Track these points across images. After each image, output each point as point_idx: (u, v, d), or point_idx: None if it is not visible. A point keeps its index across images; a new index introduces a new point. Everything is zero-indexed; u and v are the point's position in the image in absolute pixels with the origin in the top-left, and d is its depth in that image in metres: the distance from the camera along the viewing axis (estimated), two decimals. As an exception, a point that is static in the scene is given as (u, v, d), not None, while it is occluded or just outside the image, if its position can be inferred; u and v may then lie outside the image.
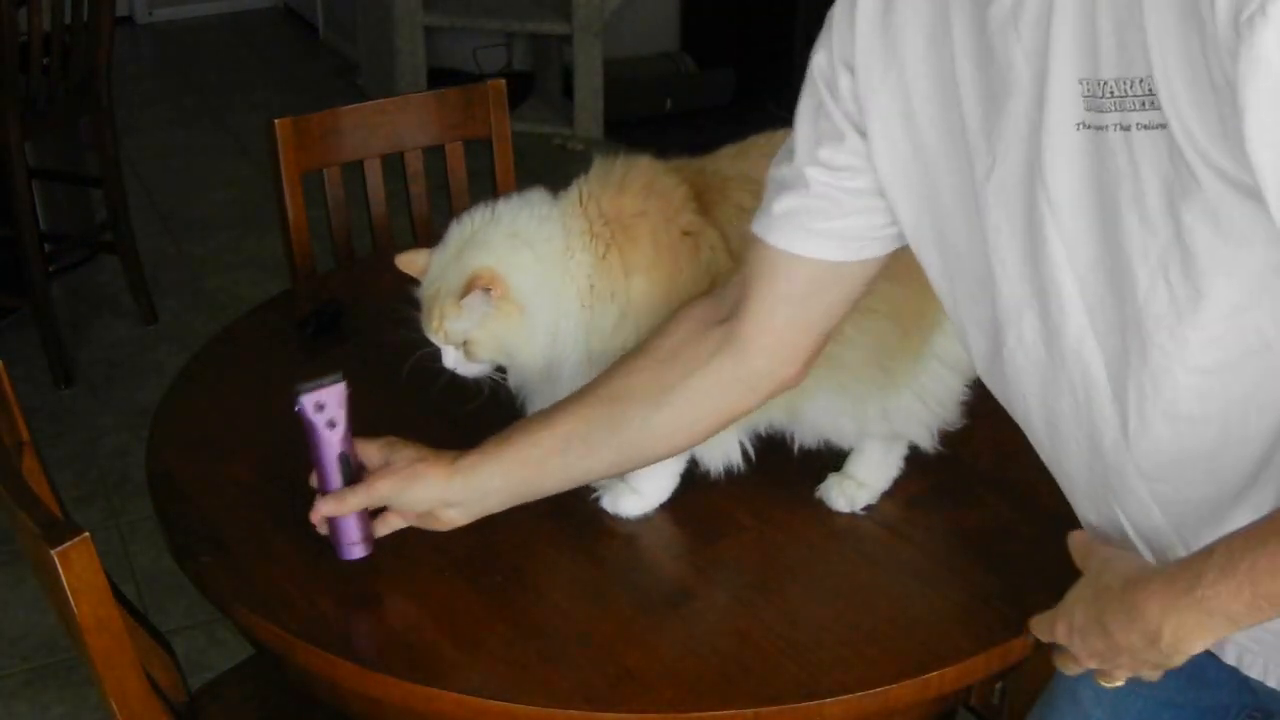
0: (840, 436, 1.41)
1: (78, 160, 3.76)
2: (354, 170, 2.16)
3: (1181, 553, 0.99)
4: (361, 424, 1.62)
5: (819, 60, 1.10)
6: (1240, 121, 0.75)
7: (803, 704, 1.17)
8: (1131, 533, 1.04)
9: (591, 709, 1.17)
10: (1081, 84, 0.85)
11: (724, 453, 1.38)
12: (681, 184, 1.34)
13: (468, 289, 1.30)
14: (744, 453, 1.39)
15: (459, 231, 1.37)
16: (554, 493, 1.30)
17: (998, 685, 1.68)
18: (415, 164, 2.21)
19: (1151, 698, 1.14)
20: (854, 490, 1.43)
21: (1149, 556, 1.03)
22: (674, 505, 1.44)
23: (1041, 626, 1.07)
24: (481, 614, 1.28)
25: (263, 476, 1.50)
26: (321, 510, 1.27)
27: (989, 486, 1.48)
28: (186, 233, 4.23)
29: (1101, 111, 0.85)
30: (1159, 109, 0.81)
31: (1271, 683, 1.01)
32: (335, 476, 1.28)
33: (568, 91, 4.98)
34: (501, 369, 1.40)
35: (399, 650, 1.23)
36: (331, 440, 1.28)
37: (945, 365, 1.39)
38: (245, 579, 1.32)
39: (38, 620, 2.53)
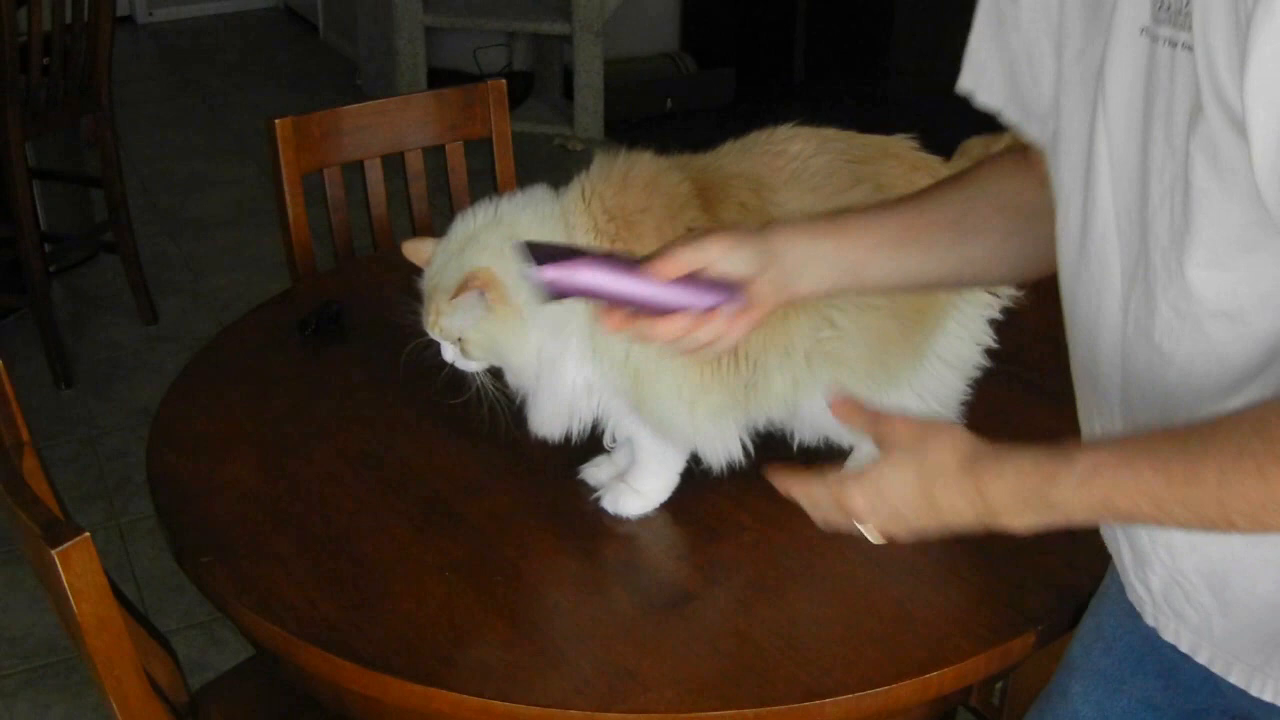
0: (839, 434, 1.41)
1: (78, 160, 3.76)
2: (354, 170, 2.16)
3: None
4: (361, 423, 1.62)
5: None
6: (1245, 63, 0.76)
7: (803, 704, 1.17)
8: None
9: (591, 709, 1.17)
10: None
11: (725, 449, 1.38)
12: (685, 180, 1.34)
13: (462, 288, 1.30)
14: (745, 453, 1.39)
15: (462, 228, 1.37)
16: (872, 290, 1.21)
17: (998, 685, 1.67)
18: (415, 164, 2.21)
19: (1134, 698, 1.15)
20: (854, 490, 1.43)
21: None
22: (674, 505, 1.44)
23: (836, 500, 1.00)
24: (481, 614, 1.28)
25: (263, 476, 1.50)
26: (677, 323, 1.10)
27: (989, 486, 1.47)
28: (186, 233, 4.23)
29: (1158, 23, 0.86)
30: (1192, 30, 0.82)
31: (1236, 680, 1.02)
32: (636, 281, 1.09)
33: (568, 91, 4.98)
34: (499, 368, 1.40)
35: (399, 650, 1.23)
36: (593, 268, 1.08)
37: (946, 364, 1.39)
38: (245, 579, 1.32)
39: (38, 620, 2.53)
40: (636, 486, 1.43)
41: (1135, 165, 0.91)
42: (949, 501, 0.93)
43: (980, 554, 1.36)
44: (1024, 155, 1.15)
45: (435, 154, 2.23)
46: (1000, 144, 1.38)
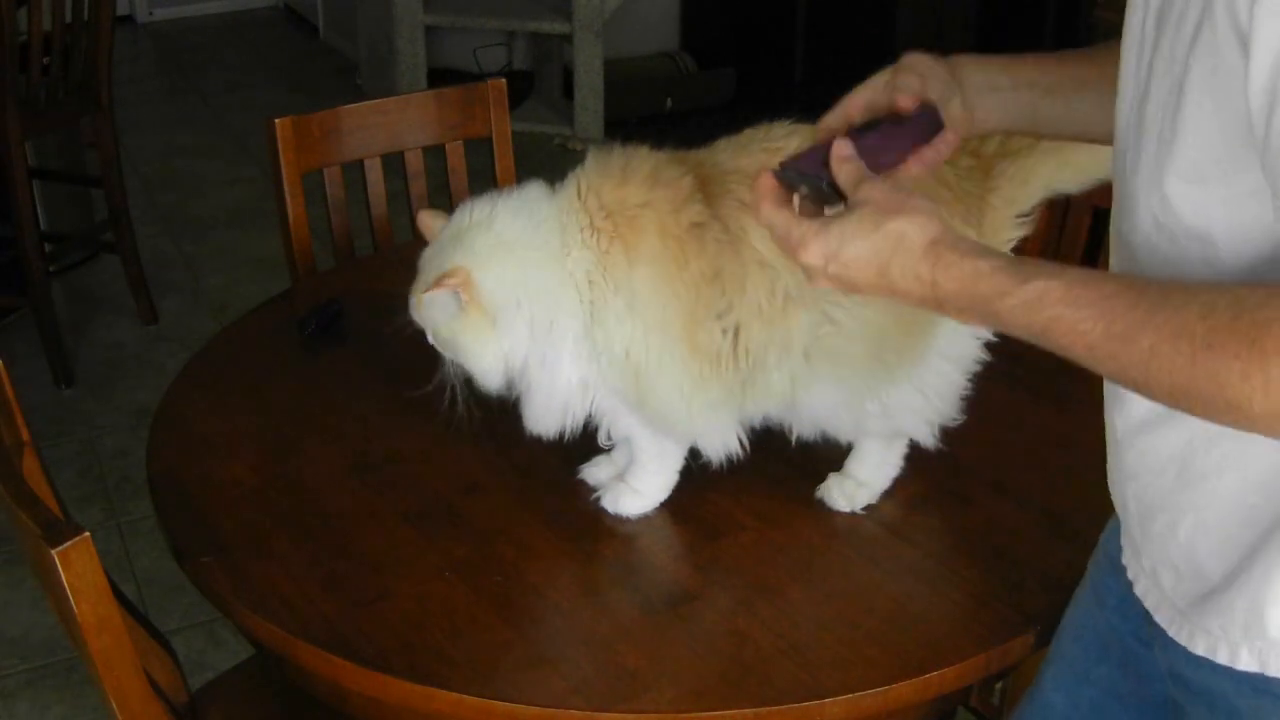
0: (838, 429, 1.41)
1: (78, 160, 3.76)
2: (354, 170, 2.15)
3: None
4: (361, 423, 1.62)
5: None
6: None
7: (803, 704, 1.17)
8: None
9: (591, 709, 1.17)
10: None
11: (723, 443, 1.38)
12: (687, 174, 1.33)
13: (436, 284, 1.31)
14: (745, 454, 1.39)
15: (459, 220, 1.36)
16: (1047, 135, 1.24)
17: (998, 685, 1.68)
18: (415, 164, 2.21)
19: (1101, 688, 1.16)
20: (854, 490, 1.44)
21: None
22: (674, 505, 1.44)
23: (782, 238, 1.02)
24: (481, 614, 1.28)
25: (263, 476, 1.50)
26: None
27: (989, 486, 1.48)
28: (186, 233, 4.23)
29: None
30: None
31: (1174, 634, 1.02)
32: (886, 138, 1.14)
33: (568, 91, 4.98)
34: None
35: (399, 650, 1.23)
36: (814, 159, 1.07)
37: (946, 359, 1.39)
38: (245, 579, 1.32)
39: (38, 620, 2.53)
40: (636, 485, 1.43)
41: (1146, 63, 0.92)
42: (901, 277, 0.95)
43: (980, 554, 1.37)
44: None
45: (435, 154, 2.23)
46: (994, 139, 1.39)
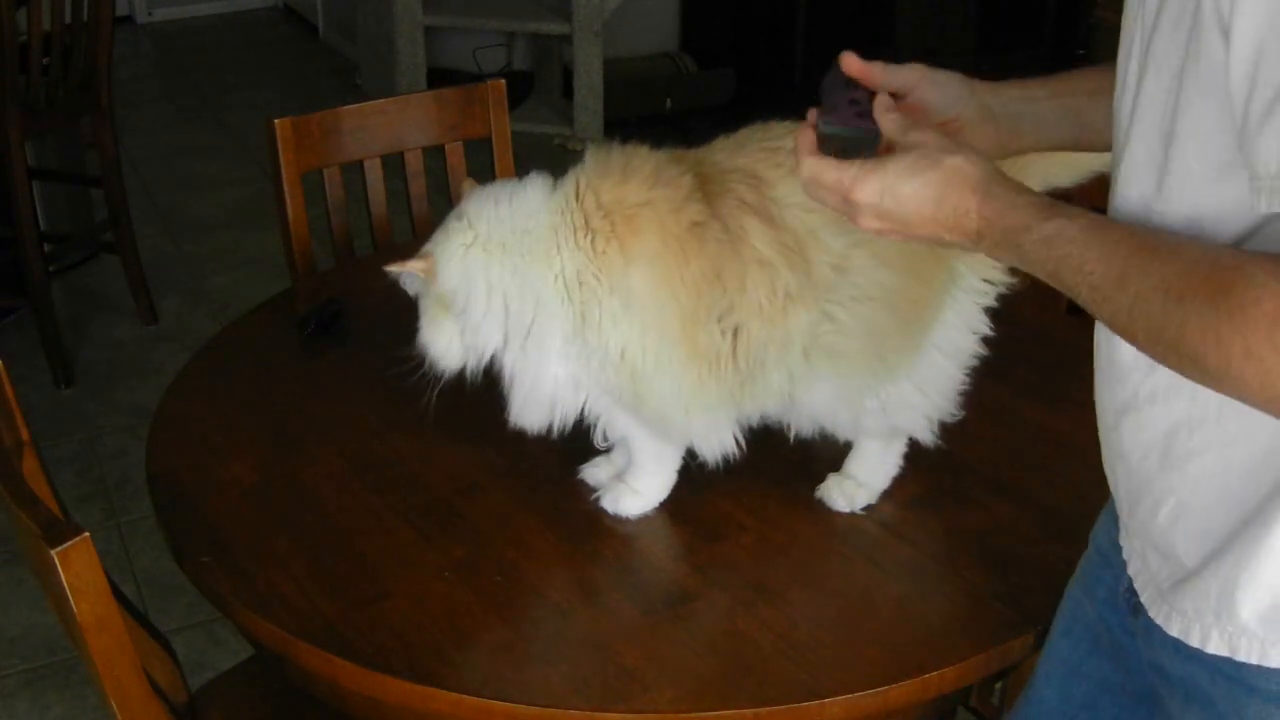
0: (837, 427, 1.41)
1: (78, 160, 3.76)
2: (354, 170, 2.16)
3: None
4: (361, 423, 1.62)
5: None
6: None
7: (803, 704, 1.17)
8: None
9: (591, 709, 1.17)
10: None
11: (720, 444, 1.38)
12: (687, 173, 1.33)
13: (405, 263, 1.35)
14: (744, 454, 1.39)
15: (465, 204, 1.38)
16: (1099, 144, 1.19)
17: (998, 685, 1.68)
18: (415, 164, 2.21)
19: (1092, 681, 1.17)
20: (853, 490, 1.44)
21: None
22: (674, 505, 1.44)
23: (823, 176, 1.04)
24: (481, 614, 1.28)
25: (263, 476, 1.50)
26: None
27: (988, 486, 1.48)
28: (186, 233, 4.23)
29: None
30: None
31: (1154, 615, 1.03)
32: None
33: (568, 91, 4.98)
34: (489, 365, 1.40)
35: (399, 650, 1.23)
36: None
37: (944, 355, 1.39)
38: (245, 579, 1.32)
39: (38, 620, 2.53)
40: (635, 486, 1.43)
41: (1140, 62, 0.93)
42: (952, 212, 0.98)
43: (980, 554, 1.37)
44: None
45: (435, 154, 2.23)
46: None
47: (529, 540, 1.39)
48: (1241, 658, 0.95)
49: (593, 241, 1.31)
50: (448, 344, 1.37)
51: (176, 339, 3.56)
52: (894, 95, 1.12)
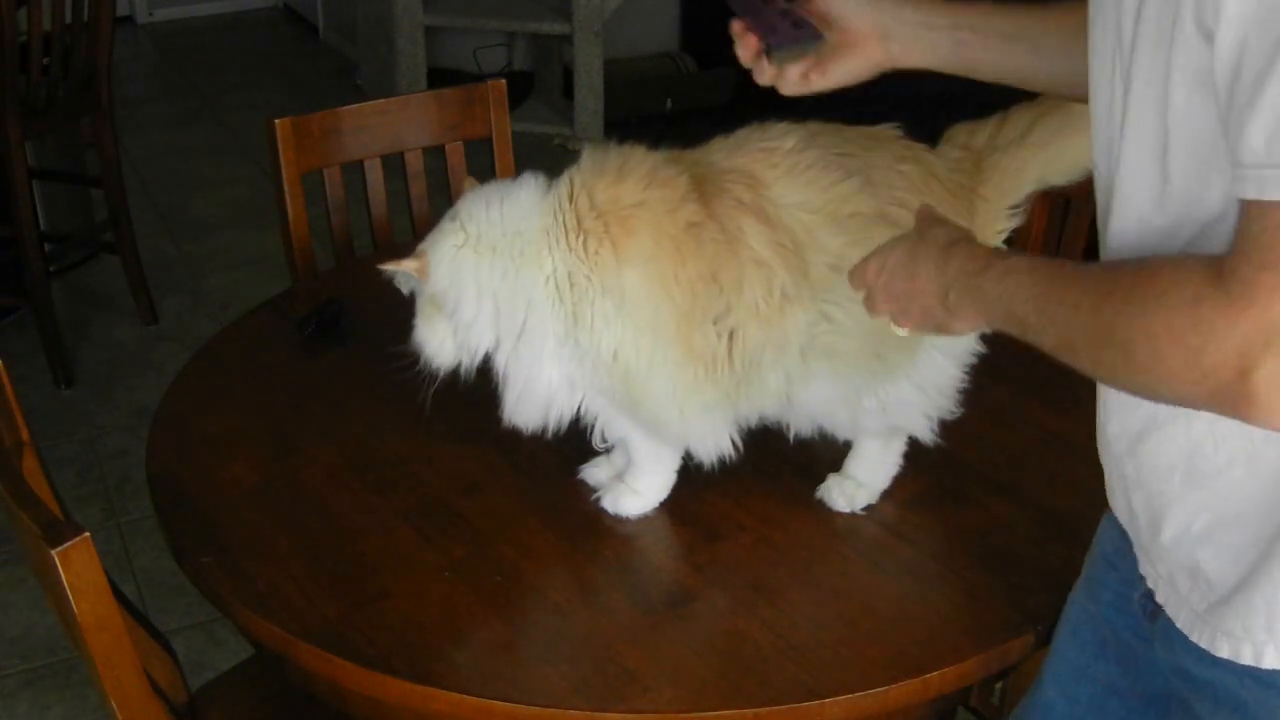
0: (836, 426, 1.41)
1: (78, 160, 3.76)
2: (354, 170, 2.15)
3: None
4: (361, 423, 1.62)
5: None
6: None
7: (803, 704, 1.17)
8: None
9: (591, 709, 1.17)
10: None
11: (716, 444, 1.38)
12: (683, 173, 1.33)
13: (398, 262, 1.36)
14: (743, 455, 1.39)
15: (459, 207, 1.38)
16: (982, 77, 1.26)
17: (998, 685, 1.68)
18: (415, 164, 2.21)
19: (1099, 684, 1.16)
20: (853, 490, 1.44)
21: None
22: (674, 505, 1.44)
23: (855, 274, 1.16)
24: (481, 614, 1.28)
25: (263, 476, 1.50)
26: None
27: (988, 487, 1.48)
28: (186, 233, 4.23)
29: None
30: None
31: (1182, 625, 1.02)
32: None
33: (568, 91, 4.98)
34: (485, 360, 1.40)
35: (399, 650, 1.23)
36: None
37: (943, 354, 1.39)
38: (245, 579, 1.32)
39: (38, 620, 2.53)
40: (634, 486, 1.43)
41: (1124, 73, 0.93)
42: (925, 273, 1.07)
43: (980, 554, 1.37)
44: None
45: (435, 154, 2.23)
46: (984, 132, 1.39)
47: (529, 540, 1.39)
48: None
49: (585, 243, 1.30)
50: (440, 343, 1.37)
51: (176, 339, 3.56)
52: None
